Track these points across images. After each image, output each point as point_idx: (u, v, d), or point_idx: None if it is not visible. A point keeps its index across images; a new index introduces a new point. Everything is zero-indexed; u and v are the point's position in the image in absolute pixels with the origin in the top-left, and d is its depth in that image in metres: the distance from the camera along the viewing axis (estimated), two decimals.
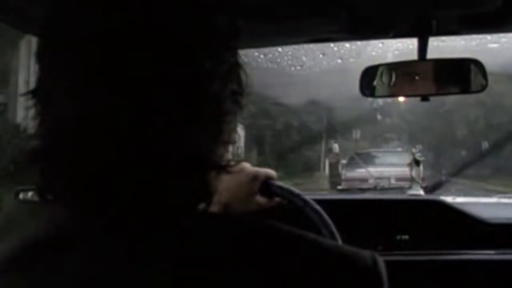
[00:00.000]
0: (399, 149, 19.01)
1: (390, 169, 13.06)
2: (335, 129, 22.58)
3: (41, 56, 0.61)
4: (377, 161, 15.43)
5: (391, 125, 24.10)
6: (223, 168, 0.61)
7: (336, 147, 18.57)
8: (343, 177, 14.88)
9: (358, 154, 17.23)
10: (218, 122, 0.61)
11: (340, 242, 1.26)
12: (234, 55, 0.64)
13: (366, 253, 0.58)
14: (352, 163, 15.69)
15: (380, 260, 0.58)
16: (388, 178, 12.00)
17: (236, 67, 0.63)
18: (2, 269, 0.56)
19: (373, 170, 13.17)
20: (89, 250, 0.54)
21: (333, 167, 17.60)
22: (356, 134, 21.47)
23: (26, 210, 0.62)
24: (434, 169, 14.20)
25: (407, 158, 14.30)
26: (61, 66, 0.58)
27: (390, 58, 1.61)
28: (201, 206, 0.60)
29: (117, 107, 0.56)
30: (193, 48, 0.58)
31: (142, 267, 0.53)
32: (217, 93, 0.60)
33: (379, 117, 23.17)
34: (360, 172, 13.75)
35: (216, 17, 0.62)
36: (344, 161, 16.96)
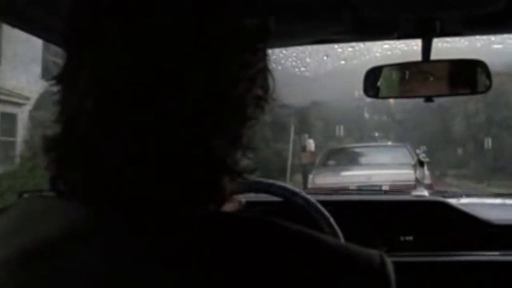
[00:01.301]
0: (389, 143, 14.43)
1: (381, 172, 8.93)
2: (308, 121, 17.76)
3: (68, 43, 0.61)
4: (362, 160, 10.71)
5: (379, 123, 21.61)
6: (238, 173, 0.61)
7: (311, 143, 13.80)
8: (310, 185, 10.11)
9: (334, 151, 12.27)
10: (239, 126, 0.60)
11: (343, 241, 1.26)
12: (262, 59, 0.63)
13: (373, 252, 0.57)
14: (326, 164, 11.15)
15: (388, 260, 0.57)
16: (379, 186, 8.20)
17: (263, 71, 0.63)
18: (14, 263, 0.56)
19: (356, 174, 9.24)
20: (102, 247, 0.55)
21: (308, 169, 12.76)
22: (340, 130, 17.06)
23: (40, 205, 0.62)
24: (428, 169, 11.34)
25: (404, 156, 9.62)
26: (86, 56, 0.59)
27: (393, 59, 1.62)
28: (212, 207, 0.60)
29: (137, 103, 0.56)
30: (219, 50, 0.58)
31: (151, 264, 0.54)
32: (241, 97, 0.60)
33: (366, 115, 20.81)
34: (338, 177, 9.43)
35: (244, 19, 0.62)
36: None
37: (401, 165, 8.49)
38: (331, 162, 11.18)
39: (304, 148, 14.51)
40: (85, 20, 0.60)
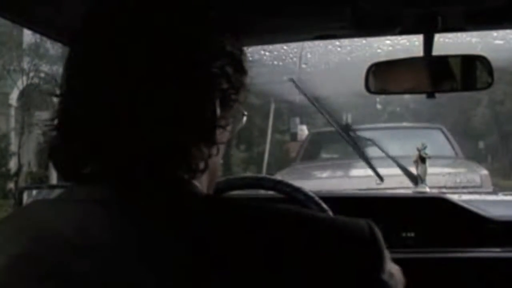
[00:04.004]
0: (405, 124, 9.85)
1: (400, 172, 3.69)
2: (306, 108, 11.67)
3: (86, 34, 0.65)
4: (369, 151, 4.12)
5: (393, 114, 19.88)
6: (194, 171, 0.62)
7: (303, 130, 9.56)
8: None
9: (321, 137, 7.50)
10: (204, 123, 0.63)
11: None
12: (226, 54, 0.66)
13: (362, 222, 0.59)
14: (308, 158, 7.01)
15: (376, 228, 0.59)
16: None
17: (230, 65, 0.65)
18: (22, 264, 0.56)
19: (357, 176, 5.24)
20: (110, 249, 0.55)
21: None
22: (347, 119, 10.18)
23: (47, 208, 0.63)
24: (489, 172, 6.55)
25: (439, 145, 5.66)
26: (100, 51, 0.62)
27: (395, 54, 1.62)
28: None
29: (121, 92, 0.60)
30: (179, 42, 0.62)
31: (162, 267, 0.54)
32: (206, 94, 0.63)
33: (379, 106, 20.75)
34: (316, 181, 5.59)
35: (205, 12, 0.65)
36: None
37: (436, 160, 4.40)
38: (320, 155, 7.39)
39: (294, 137, 10.41)
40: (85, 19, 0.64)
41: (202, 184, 0.65)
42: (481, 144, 17.09)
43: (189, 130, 0.60)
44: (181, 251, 0.54)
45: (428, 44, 1.46)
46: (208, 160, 0.63)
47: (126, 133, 0.59)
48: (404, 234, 1.68)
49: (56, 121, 0.63)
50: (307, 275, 0.54)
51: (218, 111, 0.64)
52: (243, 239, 0.56)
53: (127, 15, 0.62)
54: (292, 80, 2.82)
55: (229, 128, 0.68)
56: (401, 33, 1.54)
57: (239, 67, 0.67)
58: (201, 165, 0.62)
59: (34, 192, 1.75)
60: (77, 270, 0.54)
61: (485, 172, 5.85)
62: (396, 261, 0.59)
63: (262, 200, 1.60)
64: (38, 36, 9.35)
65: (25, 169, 10.86)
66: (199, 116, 0.61)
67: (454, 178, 4.45)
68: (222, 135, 0.66)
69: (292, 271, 0.54)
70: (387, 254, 0.58)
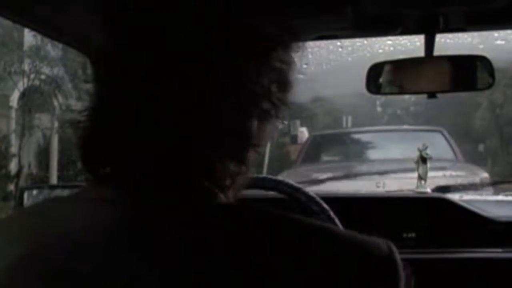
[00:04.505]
0: (406, 126, 9.46)
1: (400, 177, 4.26)
2: (306, 110, 13.25)
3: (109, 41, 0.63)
4: (369, 153, 6.62)
5: (393, 116, 19.73)
6: (221, 186, 0.61)
7: (303, 133, 9.83)
8: None
9: (322, 140, 7.71)
10: (242, 121, 0.61)
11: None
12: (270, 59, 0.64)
13: (380, 241, 0.58)
14: (308, 161, 6.89)
15: (394, 247, 0.58)
16: None
17: (272, 85, 0.63)
18: (17, 264, 0.57)
19: (356, 182, 5.00)
20: (120, 249, 0.55)
21: None
22: (347, 122, 13.05)
23: (52, 207, 0.63)
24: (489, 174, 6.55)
25: (440, 148, 5.69)
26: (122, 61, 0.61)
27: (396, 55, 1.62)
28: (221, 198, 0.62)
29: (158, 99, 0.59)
30: (220, 48, 0.60)
31: (173, 268, 0.54)
32: (248, 93, 0.61)
33: (379, 108, 19.38)
34: (314, 186, 4.36)
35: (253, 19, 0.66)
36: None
37: (436, 163, 3.70)
38: (320, 158, 7.31)
39: (294, 139, 10.39)
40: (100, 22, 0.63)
41: (227, 197, 0.64)
42: (481, 147, 16.73)
43: (209, 142, 0.59)
44: (184, 251, 0.54)
45: (429, 44, 1.46)
46: (236, 178, 0.62)
47: (137, 135, 0.59)
48: (405, 235, 1.68)
49: (84, 114, 0.63)
50: None
51: (255, 130, 0.61)
52: (246, 241, 0.55)
53: (143, 16, 0.61)
54: None
55: (261, 148, 0.65)
56: (403, 33, 1.53)
57: (285, 85, 0.64)
58: (228, 182, 0.61)
59: (35, 192, 1.75)
60: (78, 270, 0.54)
61: (485, 175, 5.85)
62: None
63: (262, 201, 1.60)
64: (39, 37, 9.33)
65: (25, 170, 10.85)
66: (220, 129, 0.59)
67: (454, 181, 4.17)
68: (254, 153, 0.64)
69: (297, 283, 0.53)
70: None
